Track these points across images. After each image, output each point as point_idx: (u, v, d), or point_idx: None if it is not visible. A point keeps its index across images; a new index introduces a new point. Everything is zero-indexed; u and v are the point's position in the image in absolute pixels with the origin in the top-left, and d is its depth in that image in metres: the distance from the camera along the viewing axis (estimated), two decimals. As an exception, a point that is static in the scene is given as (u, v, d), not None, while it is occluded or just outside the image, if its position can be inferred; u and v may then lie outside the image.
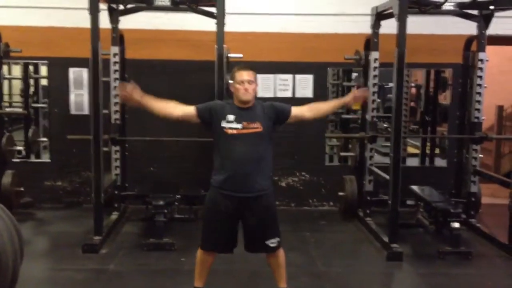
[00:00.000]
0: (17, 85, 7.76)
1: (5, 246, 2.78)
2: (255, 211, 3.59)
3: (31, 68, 7.10)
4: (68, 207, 6.62)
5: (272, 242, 3.65)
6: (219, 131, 3.57)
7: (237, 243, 3.74)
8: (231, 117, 3.56)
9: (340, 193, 6.47)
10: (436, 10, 5.48)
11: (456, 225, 5.07)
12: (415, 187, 5.93)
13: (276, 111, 3.68)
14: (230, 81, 3.71)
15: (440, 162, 7.11)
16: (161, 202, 5.25)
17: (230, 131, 3.54)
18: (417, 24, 5.94)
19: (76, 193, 6.73)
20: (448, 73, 7.13)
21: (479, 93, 5.86)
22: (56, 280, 4.46)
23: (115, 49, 5.92)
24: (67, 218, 6.23)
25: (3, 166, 6.13)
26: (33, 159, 6.88)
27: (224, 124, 3.55)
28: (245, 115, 3.57)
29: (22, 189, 6.33)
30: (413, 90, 8.28)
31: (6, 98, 7.45)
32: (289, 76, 6.71)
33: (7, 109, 7.15)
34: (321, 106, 3.90)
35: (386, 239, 5.15)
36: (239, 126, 3.54)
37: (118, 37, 5.97)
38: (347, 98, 3.95)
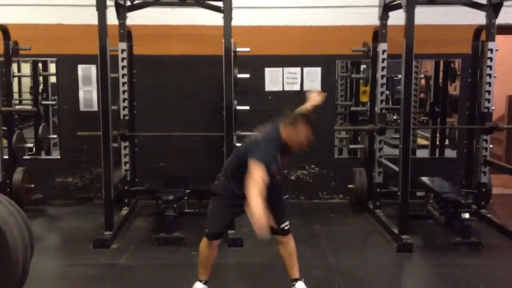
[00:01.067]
0: (27, 82, 7.80)
1: (15, 242, 2.80)
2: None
3: (40, 65, 7.14)
4: (79, 203, 6.67)
5: (286, 225, 3.72)
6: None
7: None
8: (278, 157, 3.51)
9: (350, 186, 6.47)
10: (444, 0, 5.44)
11: (467, 215, 5.05)
12: (425, 179, 5.91)
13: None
14: (291, 121, 3.52)
15: (450, 153, 7.08)
16: (171, 197, 5.27)
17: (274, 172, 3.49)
18: (425, 15, 5.91)
19: (86, 189, 6.77)
20: (457, 64, 7.09)
21: (489, 83, 5.82)
22: (68, 275, 4.50)
23: (123, 45, 5.94)
24: (78, 214, 6.28)
25: (14, 163, 6.18)
26: (43, 156, 6.92)
27: (274, 166, 3.46)
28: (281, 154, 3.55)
29: (33, 185, 6.39)
30: (423, 81, 8.23)
31: (16, 95, 7.48)
32: (297, 69, 6.70)
33: (17, 107, 7.20)
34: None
35: (396, 230, 5.14)
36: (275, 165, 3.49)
37: (126, 33, 5.98)
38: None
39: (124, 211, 5.96)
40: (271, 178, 3.39)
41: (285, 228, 3.72)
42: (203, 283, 3.81)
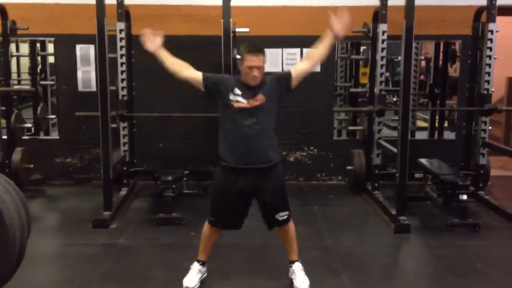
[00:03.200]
0: (25, 63, 7.78)
1: (12, 219, 2.80)
2: (265, 184, 3.59)
3: (38, 45, 7.10)
4: (78, 184, 6.68)
5: (281, 216, 3.67)
6: (225, 104, 3.56)
7: (244, 220, 3.79)
8: (237, 91, 3.54)
9: (349, 167, 6.47)
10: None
11: (464, 197, 5.07)
12: (423, 160, 5.92)
13: (278, 81, 3.67)
14: (238, 57, 3.62)
15: (449, 135, 7.08)
16: (170, 178, 5.28)
17: (236, 105, 3.51)
18: (426, -5, 5.87)
19: (85, 169, 6.78)
20: (457, 45, 7.06)
21: (489, 65, 5.79)
22: (67, 254, 4.52)
23: (121, 25, 5.89)
24: (77, 194, 6.29)
25: (12, 144, 6.18)
26: (42, 136, 6.92)
27: (231, 97, 3.54)
28: (252, 92, 3.54)
29: (31, 166, 6.39)
30: (423, 63, 8.20)
31: (14, 76, 7.47)
32: (296, 50, 6.66)
33: (16, 87, 7.18)
34: (315, 52, 3.71)
35: (394, 212, 5.16)
36: (245, 101, 3.51)
37: (124, 13, 5.93)
38: (331, 29, 3.72)
39: (123, 191, 5.97)
40: (231, 109, 3.51)
41: (280, 219, 3.68)
42: (200, 264, 3.84)
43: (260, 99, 3.52)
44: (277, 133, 3.64)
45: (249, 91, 3.54)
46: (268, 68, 6.54)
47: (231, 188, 3.58)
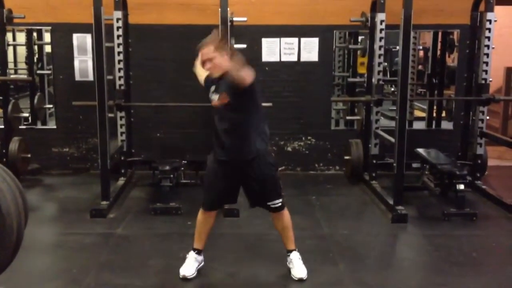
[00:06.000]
0: (22, 52, 7.74)
1: (9, 209, 2.80)
2: (251, 175, 3.63)
3: (35, 34, 7.06)
4: (76, 173, 6.68)
5: (273, 204, 3.69)
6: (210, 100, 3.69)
7: (237, 198, 3.86)
8: (213, 87, 3.63)
9: (346, 157, 6.48)
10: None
11: (461, 186, 5.08)
12: (421, 150, 5.92)
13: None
14: None
15: (446, 125, 7.08)
16: (167, 167, 5.30)
17: (213, 103, 3.62)
18: (424, -16, 5.85)
19: (83, 159, 6.77)
20: (455, 35, 7.04)
21: (487, 54, 5.77)
22: (64, 244, 4.53)
23: (118, 14, 5.86)
24: (74, 184, 6.29)
25: (9, 133, 6.16)
26: (39, 126, 6.90)
27: (210, 95, 3.65)
28: (220, 85, 3.56)
29: (29, 155, 6.38)
30: (421, 53, 8.18)
31: (11, 65, 7.44)
32: (294, 40, 6.63)
33: (12, 76, 7.14)
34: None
35: (391, 201, 5.17)
36: (216, 97, 3.57)
37: (121, 2, 5.90)
38: None
39: (121, 181, 5.97)
40: (212, 106, 3.63)
41: (272, 206, 3.70)
42: (196, 253, 3.85)
43: (223, 97, 3.50)
44: (252, 128, 3.58)
45: (220, 84, 3.55)
46: (266, 57, 6.66)
47: (218, 174, 3.68)
